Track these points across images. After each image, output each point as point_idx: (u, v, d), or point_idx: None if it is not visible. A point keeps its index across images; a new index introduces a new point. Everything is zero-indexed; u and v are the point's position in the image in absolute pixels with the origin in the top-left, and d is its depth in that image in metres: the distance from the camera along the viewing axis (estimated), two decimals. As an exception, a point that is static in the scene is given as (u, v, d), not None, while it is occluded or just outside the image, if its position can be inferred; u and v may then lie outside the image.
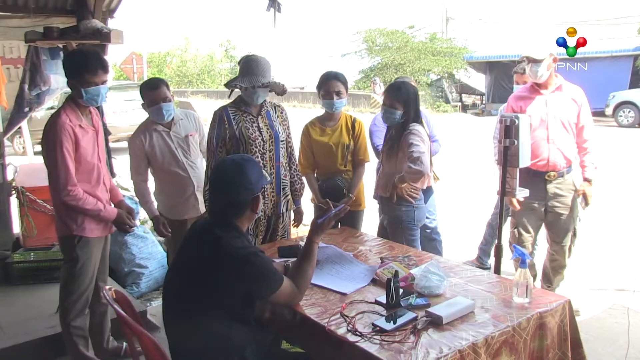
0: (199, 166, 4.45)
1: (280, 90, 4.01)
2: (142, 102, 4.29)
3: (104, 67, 3.56)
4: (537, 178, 4.36)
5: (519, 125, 3.67)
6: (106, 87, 3.58)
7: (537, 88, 4.37)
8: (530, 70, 4.26)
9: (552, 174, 4.34)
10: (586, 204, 4.47)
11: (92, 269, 3.70)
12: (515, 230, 4.53)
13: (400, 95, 4.03)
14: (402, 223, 4.13)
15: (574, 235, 4.54)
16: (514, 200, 4.29)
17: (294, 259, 3.23)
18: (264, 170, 3.71)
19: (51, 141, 3.40)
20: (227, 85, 3.98)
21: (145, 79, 23.09)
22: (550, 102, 4.31)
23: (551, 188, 4.36)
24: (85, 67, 3.46)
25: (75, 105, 3.56)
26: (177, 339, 2.56)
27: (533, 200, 4.36)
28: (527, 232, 4.50)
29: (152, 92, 4.22)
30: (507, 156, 3.71)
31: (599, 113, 21.60)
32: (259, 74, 3.87)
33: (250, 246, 2.64)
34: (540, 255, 4.84)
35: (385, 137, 4.34)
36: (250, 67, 3.90)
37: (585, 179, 4.46)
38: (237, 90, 3.98)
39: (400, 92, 4.05)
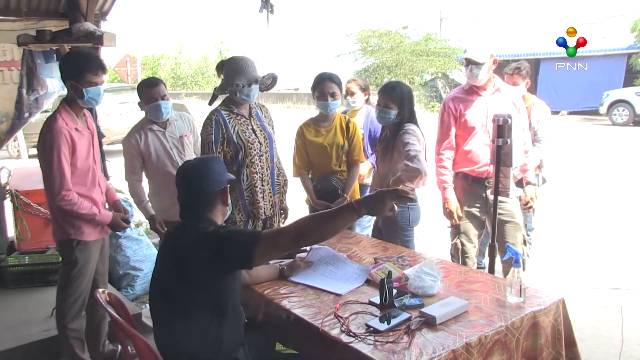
0: None
1: (273, 81, 4.03)
2: (138, 101, 4.32)
3: (103, 67, 3.58)
4: (476, 184, 4.27)
5: (512, 125, 3.66)
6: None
7: (475, 89, 4.26)
8: (471, 73, 4.14)
9: (492, 180, 4.08)
10: (532, 209, 4.41)
11: (90, 272, 3.70)
12: (458, 241, 4.39)
13: (394, 95, 4.03)
14: (396, 224, 4.12)
15: (524, 243, 4.33)
16: (455, 214, 4.28)
17: (289, 260, 3.25)
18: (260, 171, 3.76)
19: (48, 145, 3.38)
20: (221, 91, 3.95)
21: (140, 81, 23.08)
22: (490, 104, 4.19)
23: (491, 195, 4.05)
24: (87, 67, 3.46)
25: (71, 107, 3.55)
26: (168, 341, 2.56)
27: (473, 208, 4.31)
28: (470, 242, 4.37)
29: (151, 89, 4.25)
30: (499, 156, 3.71)
31: (593, 112, 21.72)
32: (252, 72, 3.88)
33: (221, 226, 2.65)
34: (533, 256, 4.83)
35: (380, 137, 4.35)
36: (241, 66, 3.89)
37: (528, 183, 4.39)
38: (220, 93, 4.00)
39: (395, 92, 4.05)
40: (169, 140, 4.37)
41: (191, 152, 4.49)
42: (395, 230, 4.13)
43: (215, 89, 4.07)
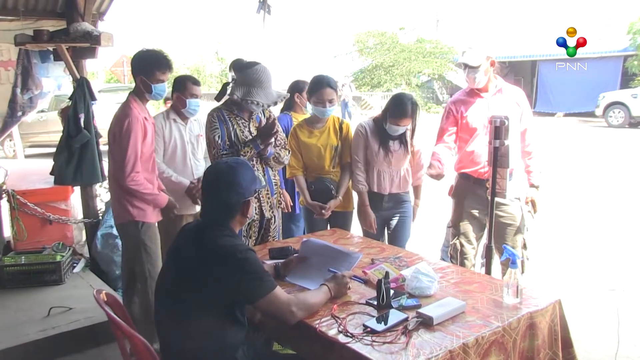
0: (202, 166, 4.61)
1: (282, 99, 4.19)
2: (171, 91, 4.59)
3: (170, 67, 3.97)
4: (477, 186, 4.23)
5: (509, 126, 3.66)
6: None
7: (476, 91, 4.25)
8: (468, 77, 4.14)
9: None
10: (534, 211, 4.34)
11: (159, 251, 3.99)
12: (457, 242, 4.39)
13: (411, 113, 4.20)
14: (411, 217, 4.44)
15: (525, 247, 4.32)
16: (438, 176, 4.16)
17: (284, 260, 3.25)
18: (258, 174, 3.73)
19: (125, 130, 3.71)
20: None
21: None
22: (492, 105, 4.17)
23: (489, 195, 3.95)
24: (157, 66, 3.85)
25: (139, 99, 3.90)
26: (170, 339, 2.57)
27: (474, 210, 4.29)
28: (470, 243, 4.36)
29: (197, 86, 4.54)
30: (497, 157, 3.71)
31: (589, 113, 21.77)
32: (271, 87, 3.93)
33: (244, 244, 2.68)
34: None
35: (387, 138, 4.35)
36: (262, 81, 3.88)
37: (532, 185, 4.32)
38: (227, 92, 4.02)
39: (413, 111, 4.21)
40: (187, 135, 4.54)
41: (202, 152, 4.64)
42: (409, 225, 4.50)
43: (224, 84, 4.10)
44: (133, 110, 3.78)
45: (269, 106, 3.97)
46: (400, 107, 4.20)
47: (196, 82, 4.57)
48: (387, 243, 4.37)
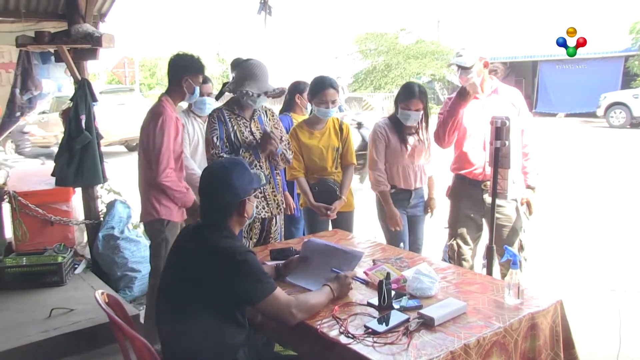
0: None
1: (280, 93, 4.23)
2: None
3: None
4: (473, 187, 4.23)
5: (510, 127, 3.65)
6: None
7: None
8: (461, 78, 4.09)
9: (488, 183, 3.98)
10: (530, 212, 4.32)
11: None
12: (454, 242, 4.38)
13: (423, 98, 4.32)
14: (424, 214, 4.59)
15: (522, 248, 4.29)
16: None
17: (285, 261, 3.24)
18: (259, 172, 3.72)
19: (160, 129, 3.85)
20: (233, 91, 3.98)
21: (138, 83, 23.02)
22: (487, 106, 4.12)
23: (488, 198, 3.97)
24: (201, 70, 4.09)
25: (173, 100, 4.05)
26: (170, 340, 2.58)
27: (470, 211, 4.28)
28: (467, 244, 4.35)
29: (203, 85, 4.57)
30: (498, 157, 3.70)
31: (590, 114, 21.76)
32: (265, 80, 3.94)
33: (244, 246, 2.67)
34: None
35: (405, 133, 4.42)
36: (255, 73, 3.92)
37: (528, 187, 4.29)
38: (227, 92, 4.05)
39: (423, 95, 4.33)
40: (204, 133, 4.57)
41: None
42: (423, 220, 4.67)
43: (224, 84, 4.15)
44: (167, 109, 3.93)
45: (258, 95, 3.90)
46: (407, 91, 4.33)
47: (204, 80, 4.63)
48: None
